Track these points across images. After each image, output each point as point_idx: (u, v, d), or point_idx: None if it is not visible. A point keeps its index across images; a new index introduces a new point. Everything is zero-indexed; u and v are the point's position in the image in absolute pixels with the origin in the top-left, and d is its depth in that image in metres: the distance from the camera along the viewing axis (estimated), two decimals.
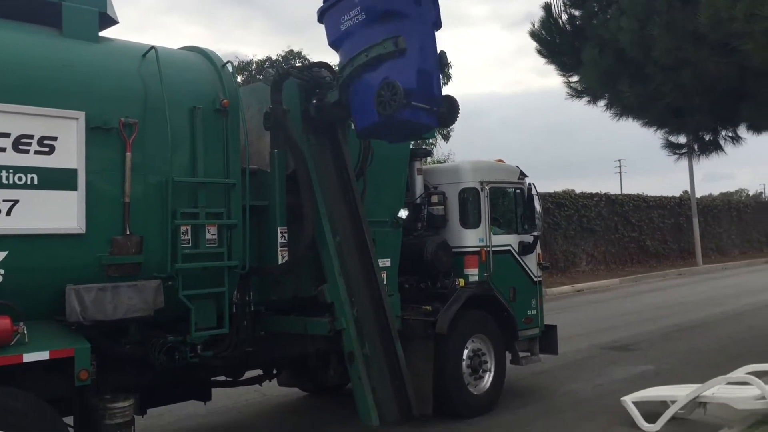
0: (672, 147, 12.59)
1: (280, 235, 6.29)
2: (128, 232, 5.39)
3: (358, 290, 6.57)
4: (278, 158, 6.38)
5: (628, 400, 7.36)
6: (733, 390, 7.07)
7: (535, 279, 8.71)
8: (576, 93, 11.84)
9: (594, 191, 30.31)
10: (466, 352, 7.65)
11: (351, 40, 6.05)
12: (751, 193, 66.68)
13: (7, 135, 4.87)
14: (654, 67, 9.48)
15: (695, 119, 10.91)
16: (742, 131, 11.99)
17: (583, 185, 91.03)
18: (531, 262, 8.64)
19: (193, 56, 6.28)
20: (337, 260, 6.42)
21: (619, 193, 35.58)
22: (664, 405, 7.21)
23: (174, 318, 5.77)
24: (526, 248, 8.54)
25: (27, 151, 4.95)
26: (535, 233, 8.56)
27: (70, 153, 5.14)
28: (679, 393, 7.23)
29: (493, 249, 8.18)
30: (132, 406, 5.52)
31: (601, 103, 11.69)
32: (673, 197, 36.19)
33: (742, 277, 26.46)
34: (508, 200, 8.67)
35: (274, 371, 7.77)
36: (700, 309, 16.77)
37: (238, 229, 5.98)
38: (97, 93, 5.38)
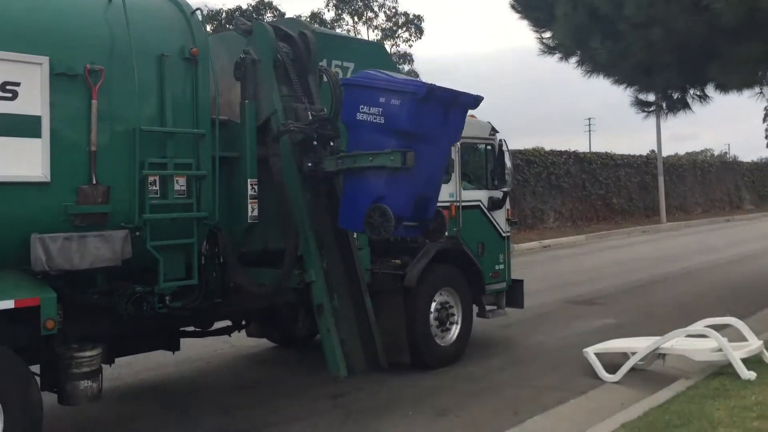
0: (641, 105, 12.77)
1: (250, 187, 6.24)
2: (95, 182, 5.30)
3: (328, 244, 6.58)
4: (249, 109, 6.29)
5: (590, 351, 7.51)
6: (692, 342, 7.28)
7: (504, 234, 8.82)
8: (548, 49, 11.98)
9: (563, 149, 30.61)
10: (433, 305, 7.77)
11: (361, 132, 5.66)
12: (716, 153, 67.87)
13: None
14: (625, 24, 9.59)
15: (664, 77, 11.09)
16: (710, 90, 12.20)
17: (552, 143, 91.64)
18: (500, 217, 8.74)
19: (161, 2, 6.10)
20: (308, 216, 6.40)
21: (588, 151, 35.92)
22: (624, 356, 7.39)
23: (142, 269, 5.72)
24: (495, 204, 8.62)
25: None
26: (505, 189, 8.64)
27: (34, 99, 5.00)
28: (639, 345, 7.40)
29: (463, 204, 8.25)
30: (99, 356, 5.51)
31: (573, 59, 11.81)
32: (640, 156, 36.75)
33: (703, 235, 27.20)
34: (479, 156, 8.72)
35: (243, 322, 7.79)
36: (661, 265, 17.26)
37: (208, 180, 5.92)
38: (62, 38, 5.21)
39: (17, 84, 4.94)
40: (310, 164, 6.23)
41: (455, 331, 7.96)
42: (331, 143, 6.36)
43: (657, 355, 7.36)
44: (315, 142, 6.25)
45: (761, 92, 12.05)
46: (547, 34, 11.92)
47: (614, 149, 37.74)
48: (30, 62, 4.99)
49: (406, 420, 6.35)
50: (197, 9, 6.15)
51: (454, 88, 5.69)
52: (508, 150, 8.69)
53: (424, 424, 6.25)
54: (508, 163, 8.62)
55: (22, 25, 5.05)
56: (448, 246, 7.96)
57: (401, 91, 5.28)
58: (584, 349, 7.60)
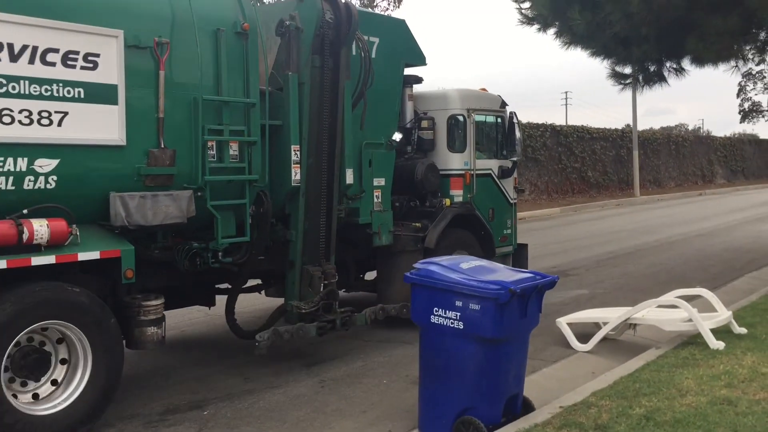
0: (618, 77, 12.88)
1: (293, 152, 6.77)
2: (162, 146, 5.81)
3: (315, 207, 7.02)
4: (292, 80, 6.78)
5: (562, 321, 7.61)
6: (662, 313, 7.39)
7: (511, 201, 9.45)
8: (527, 20, 11.98)
9: (540, 122, 31.22)
10: None
11: (436, 336, 5.07)
12: (690, 127, 68.95)
13: (56, 50, 5.16)
14: None
15: (641, 49, 11.12)
16: (686, 63, 12.33)
17: (529, 116, 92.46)
18: (508, 185, 9.37)
19: None
20: (303, 181, 6.88)
21: (565, 124, 36.72)
22: (596, 326, 7.50)
23: (196, 227, 6.24)
24: (504, 172, 9.25)
25: (74, 67, 5.27)
26: (515, 159, 9.24)
27: (111, 69, 5.47)
28: (610, 315, 7.49)
29: (476, 172, 8.84)
30: (162, 305, 6.03)
31: (551, 31, 11.86)
32: (616, 130, 37.54)
33: (676, 208, 27.75)
34: (491, 127, 9.29)
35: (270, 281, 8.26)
36: (634, 237, 17.44)
37: (257, 146, 6.45)
38: (134, 13, 5.67)
39: (97, 55, 5.40)
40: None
41: None
42: None
43: (628, 325, 7.44)
44: None
45: (736, 66, 12.36)
46: (526, 5, 11.91)
47: (590, 123, 38.32)
48: (107, 35, 5.45)
49: (380, 388, 6.45)
50: None
51: (534, 275, 5.21)
52: (519, 122, 9.29)
53: (398, 392, 6.32)
54: (518, 134, 9.22)
55: (103, 1, 5.49)
56: (464, 211, 8.58)
57: (481, 297, 4.77)
58: (557, 319, 7.67)
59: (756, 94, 53.30)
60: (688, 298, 7.45)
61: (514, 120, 9.25)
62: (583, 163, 33.29)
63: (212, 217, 6.16)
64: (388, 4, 40.14)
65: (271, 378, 6.77)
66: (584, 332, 7.53)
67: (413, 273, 5.21)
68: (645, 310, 7.35)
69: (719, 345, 6.72)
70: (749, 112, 54.41)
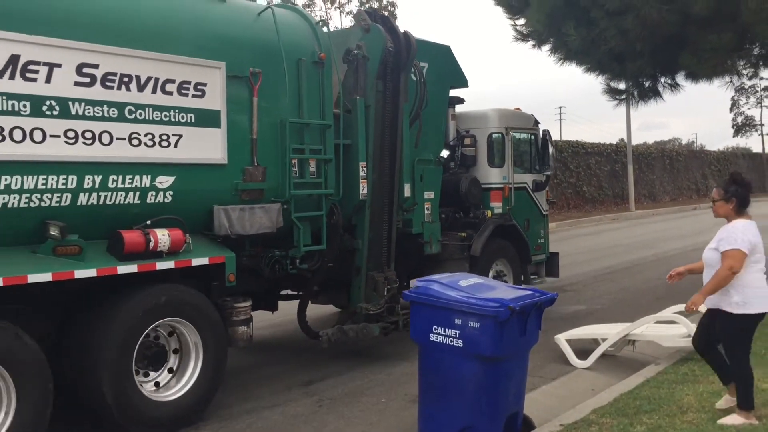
0: (612, 93, 12.94)
1: (361, 169, 7.50)
2: (256, 164, 6.52)
3: (378, 218, 7.76)
4: (359, 104, 7.52)
5: (561, 338, 7.61)
6: (661, 328, 7.39)
7: (544, 212, 10.19)
8: (522, 36, 12.05)
9: None
10: (491, 272, 9.10)
11: (436, 354, 5.02)
12: (684, 142, 69.75)
13: (173, 81, 5.87)
14: (599, 11, 9.70)
15: (636, 65, 11.14)
16: (681, 79, 12.35)
17: None
18: (541, 197, 10.13)
19: (293, 15, 7.28)
20: (369, 194, 7.61)
21: (559, 139, 37.24)
22: (595, 342, 7.49)
23: (276, 237, 6.93)
24: (538, 186, 10.00)
25: (187, 95, 5.97)
26: (548, 173, 9.99)
27: (216, 96, 6.18)
28: (609, 331, 7.47)
29: (514, 186, 9.58)
30: (250, 306, 6.71)
31: (546, 47, 11.90)
32: (610, 144, 37.88)
33: (671, 222, 27.74)
34: (525, 144, 10.05)
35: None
36: (631, 252, 17.40)
37: (332, 164, 7.18)
38: (234, 46, 6.39)
39: (205, 84, 6.11)
40: None
41: None
42: None
43: (627, 341, 7.42)
44: None
45: (731, 81, 12.41)
46: (521, 21, 11.90)
47: (585, 137, 38.90)
48: (212, 66, 6.17)
49: (379, 407, 6.42)
50: (321, 20, 7.32)
51: (533, 292, 5.19)
52: (551, 138, 10.05)
53: (397, 411, 6.29)
54: (550, 149, 9.97)
55: (209, 36, 6.23)
56: (503, 222, 9.31)
57: (480, 314, 4.73)
58: (555, 336, 7.65)
59: (749, 108, 54.42)
60: (687, 314, 7.16)
61: (548, 137, 10.01)
62: (578, 177, 33.47)
63: (290, 228, 6.87)
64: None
65: (270, 397, 6.76)
66: (583, 348, 7.54)
67: (412, 291, 5.17)
68: (644, 326, 7.32)
69: None
70: (742, 126, 55.55)
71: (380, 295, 7.62)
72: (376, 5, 40.41)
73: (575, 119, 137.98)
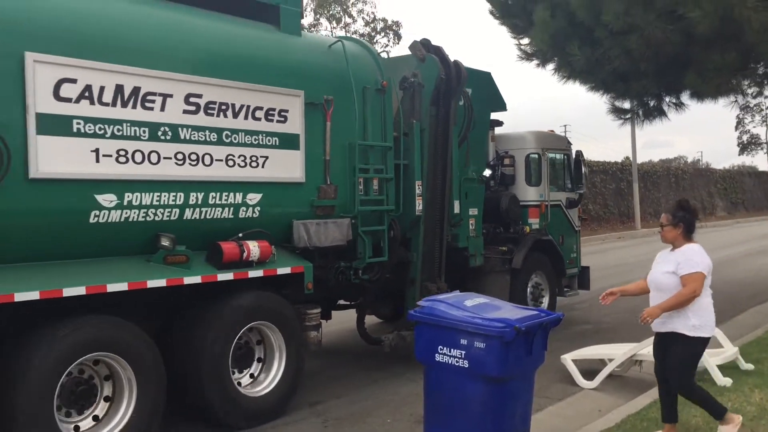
0: (617, 112, 13.00)
1: (417, 187, 8.15)
2: (329, 182, 7.19)
3: (431, 233, 8.40)
4: (416, 127, 8.20)
5: (567, 358, 7.57)
6: None
7: (576, 228, 10.83)
8: (526, 56, 12.14)
9: None
10: (530, 284, 9.74)
11: (442, 374, 5.00)
12: (689, 160, 69.44)
13: (261, 108, 6.55)
14: (603, 31, 9.70)
15: (641, 84, 11.17)
16: (685, 98, 12.35)
17: None
18: (574, 214, 10.78)
19: (357, 47, 7.99)
20: (424, 210, 8.26)
21: None
22: (602, 363, 7.46)
23: (342, 249, 7.56)
24: (571, 203, 10.66)
25: (272, 120, 6.66)
26: (581, 191, 10.64)
27: (296, 122, 6.86)
28: (616, 351, 7.43)
29: (550, 203, 10.24)
30: (320, 313, 7.35)
31: (550, 66, 11.90)
32: (615, 162, 37.66)
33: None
34: (560, 164, 10.71)
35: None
36: (637, 271, 16.91)
37: (392, 182, 7.85)
38: (311, 77, 7.09)
39: (287, 111, 6.80)
40: None
41: (545, 304, 9.94)
42: None
43: (634, 361, 7.36)
44: None
45: (735, 100, 12.50)
46: (525, 41, 11.96)
47: (589, 155, 39.13)
48: (293, 95, 6.86)
49: (385, 427, 6.40)
50: (383, 51, 8.01)
51: (539, 312, 5.22)
52: (584, 159, 10.71)
53: (401, 431, 6.30)
54: (584, 169, 10.63)
55: (291, 68, 6.94)
56: (540, 237, 9.95)
57: (486, 335, 4.72)
58: (562, 356, 7.60)
59: (754, 127, 54.78)
60: None
61: (581, 158, 10.67)
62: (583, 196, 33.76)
63: (354, 241, 7.51)
64: (388, 41, 41.41)
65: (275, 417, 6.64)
66: (590, 369, 7.53)
67: (417, 311, 5.15)
68: (651, 346, 7.42)
69: (727, 382, 6.69)
70: (748, 145, 55.98)
71: None
72: (381, 26, 40.79)
73: (580, 137, 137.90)
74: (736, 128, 55.26)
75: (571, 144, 10.84)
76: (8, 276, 4.97)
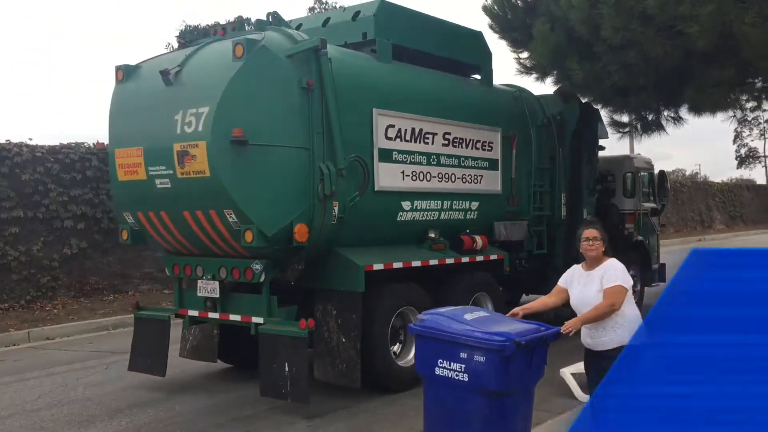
0: (616, 125, 13.47)
1: (562, 198, 10.87)
2: (514, 194, 9.89)
3: (569, 234, 10.96)
4: (562, 154, 10.91)
5: (566, 371, 7.60)
6: None
7: (657, 232, 13.57)
8: (525, 69, 12.40)
9: None
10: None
11: (441, 388, 5.02)
12: (687, 173, 69.38)
13: (478, 140, 9.26)
14: (602, 46, 9.77)
15: (640, 99, 11.32)
16: (684, 112, 12.60)
17: None
18: (655, 221, 13.49)
19: (528, 93, 10.70)
20: (566, 216, 10.96)
21: None
22: None
23: (508, 245, 10.21)
24: (655, 212, 13.37)
25: (484, 149, 9.35)
26: (663, 203, 13.39)
27: (496, 150, 9.57)
28: None
29: (641, 211, 12.96)
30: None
31: (549, 80, 12.14)
32: None
33: (677, 255, 24.84)
34: (647, 179, 13.43)
35: None
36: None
37: (547, 194, 10.55)
38: (505, 117, 9.81)
39: (492, 143, 9.50)
40: None
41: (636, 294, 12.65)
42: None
43: None
44: None
45: (734, 115, 13.17)
46: (525, 55, 12.22)
47: None
48: (496, 131, 9.56)
49: None
50: (541, 96, 10.73)
51: (538, 326, 5.10)
52: (666, 177, 13.41)
53: None
54: (667, 185, 13.34)
55: (494, 111, 9.66)
56: (635, 238, 12.66)
57: (485, 348, 4.73)
58: (561, 369, 7.61)
59: (752, 140, 55.51)
60: None
61: (665, 176, 13.43)
62: None
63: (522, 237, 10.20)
64: None
65: (273, 431, 6.68)
66: None
67: (417, 324, 5.18)
68: None
69: None
70: (746, 158, 57.25)
71: None
72: None
73: None
74: (734, 141, 56.61)
75: (652, 164, 13.59)
76: (366, 253, 7.64)
